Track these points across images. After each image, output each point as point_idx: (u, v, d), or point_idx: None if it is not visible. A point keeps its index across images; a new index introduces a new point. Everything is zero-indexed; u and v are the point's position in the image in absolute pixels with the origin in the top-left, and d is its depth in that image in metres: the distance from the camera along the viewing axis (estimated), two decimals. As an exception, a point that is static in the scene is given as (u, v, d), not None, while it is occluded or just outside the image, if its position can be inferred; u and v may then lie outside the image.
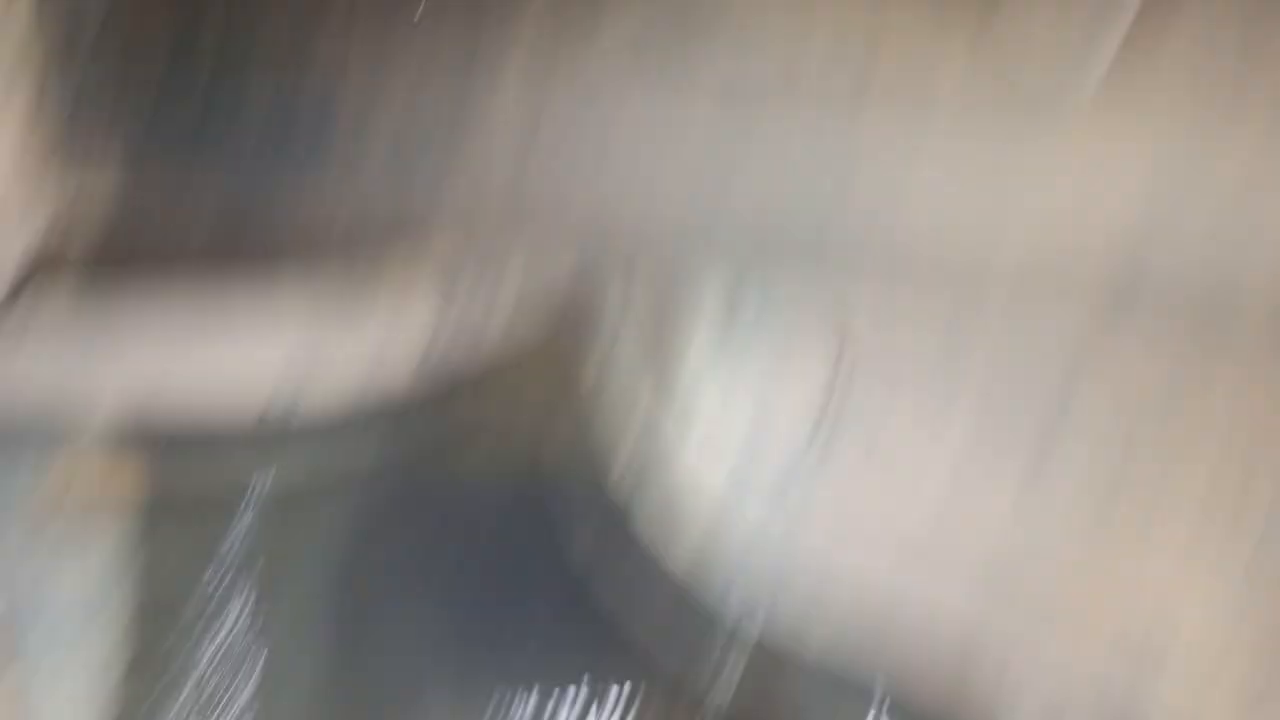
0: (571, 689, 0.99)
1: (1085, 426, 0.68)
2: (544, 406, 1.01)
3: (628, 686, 1.00)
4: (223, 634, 1.01)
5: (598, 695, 1.00)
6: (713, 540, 0.74)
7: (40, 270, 0.90)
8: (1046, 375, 0.69)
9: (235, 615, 1.01)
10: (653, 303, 0.77)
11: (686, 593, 0.98)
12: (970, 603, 0.71)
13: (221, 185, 0.76)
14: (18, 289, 0.91)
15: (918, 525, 0.72)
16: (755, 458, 0.74)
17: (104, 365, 0.90)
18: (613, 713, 1.01)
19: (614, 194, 0.73)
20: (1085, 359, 0.68)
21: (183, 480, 1.02)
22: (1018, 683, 0.72)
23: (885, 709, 0.97)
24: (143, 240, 0.90)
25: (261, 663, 1.02)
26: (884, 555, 0.73)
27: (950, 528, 0.72)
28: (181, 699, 1.01)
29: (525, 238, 0.77)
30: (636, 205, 0.74)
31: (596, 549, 0.98)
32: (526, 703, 0.99)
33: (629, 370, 0.79)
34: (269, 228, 0.84)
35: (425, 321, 0.85)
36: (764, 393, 0.74)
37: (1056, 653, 0.70)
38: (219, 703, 1.01)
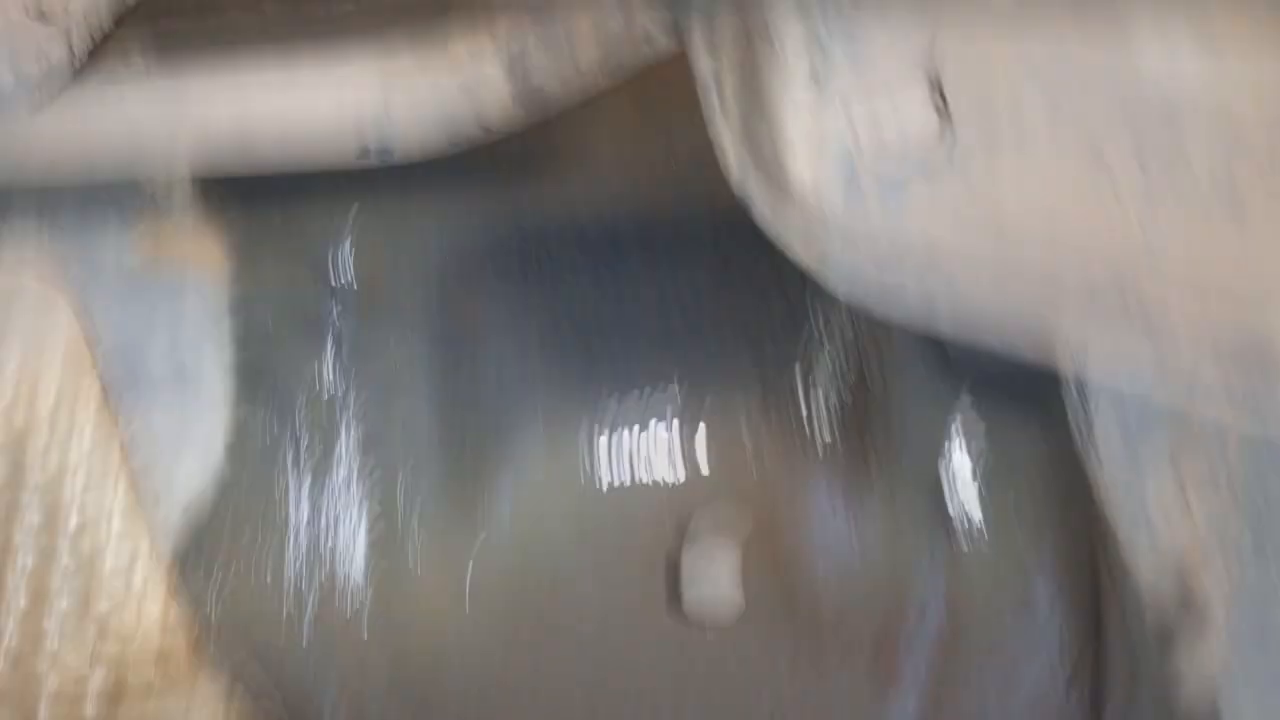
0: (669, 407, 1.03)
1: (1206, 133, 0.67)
2: (643, 127, 1.01)
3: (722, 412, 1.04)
4: (322, 391, 1.04)
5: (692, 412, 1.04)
6: (826, 239, 0.74)
7: (116, 36, 0.87)
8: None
9: (334, 371, 1.04)
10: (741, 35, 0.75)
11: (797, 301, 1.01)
12: (1080, 306, 0.72)
13: None
14: (91, 46, 0.88)
15: (1028, 230, 0.72)
16: (864, 163, 0.73)
17: (184, 117, 0.89)
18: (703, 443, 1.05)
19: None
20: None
21: (274, 230, 1.03)
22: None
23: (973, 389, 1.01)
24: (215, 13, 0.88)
25: (364, 416, 1.05)
26: (993, 255, 0.73)
27: (1064, 231, 0.72)
28: (287, 448, 1.04)
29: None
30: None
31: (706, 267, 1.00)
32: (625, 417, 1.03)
33: (724, 91, 0.77)
34: None
35: (514, 47, 0.83)
36: (864, 109, 0.72)
37: (1171, 364, 0.72)
38: (325, 447, 1.04)
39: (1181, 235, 0.70)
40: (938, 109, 0.73)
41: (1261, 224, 0.68)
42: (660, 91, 0.97)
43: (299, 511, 1.03)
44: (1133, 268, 0.71)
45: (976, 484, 1.07)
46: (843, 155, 0.73)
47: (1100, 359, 0.75)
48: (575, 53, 0.81)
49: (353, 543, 1.04)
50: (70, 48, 0.84)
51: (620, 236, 1.06)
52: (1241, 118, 0.67)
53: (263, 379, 1.04)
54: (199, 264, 1.02)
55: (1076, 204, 0.71)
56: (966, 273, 0.73)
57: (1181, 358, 0.72)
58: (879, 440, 1.07)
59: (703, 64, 0.77)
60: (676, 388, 1.07)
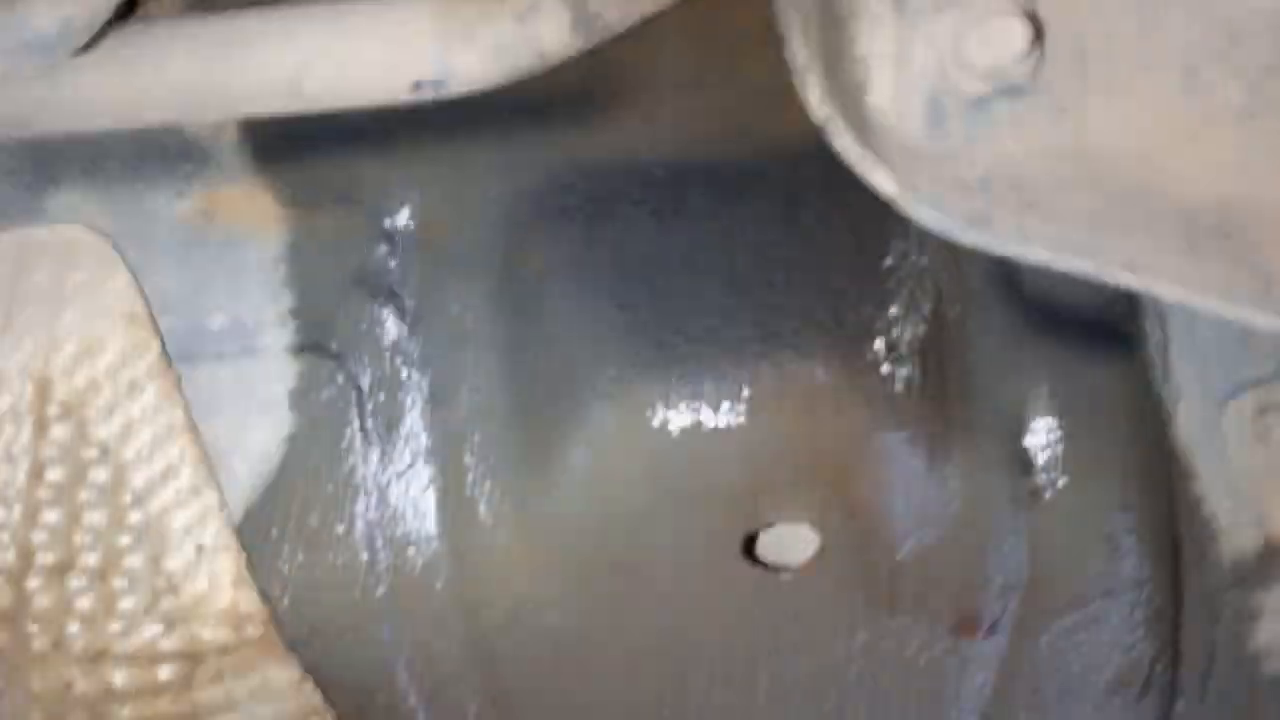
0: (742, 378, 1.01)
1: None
2: (705, 61, 0.97)
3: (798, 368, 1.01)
4: (385, 349, 1.03)
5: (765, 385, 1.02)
6: (910, 164, 0.71)
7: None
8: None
9: (396, 328, 1.02)
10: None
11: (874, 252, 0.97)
12: (1175, 234, 0.69)
13: None
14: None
15: (1120, 153, 0.69)
16: (948, 84, 0.69)
17: (231, 59, 0.86)
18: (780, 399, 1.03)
19: None
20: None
21: (328, 179, 1.01)
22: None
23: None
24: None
25: (429, 374, 1.03)
26: (1083, 178, 0.70)
27: (1159, 156, 0.68)
28: (352, 401, 1.03)
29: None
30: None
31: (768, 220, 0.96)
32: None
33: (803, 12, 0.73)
34: None
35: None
36: (947, 25, 0.68)
37: (1273, 298, 0.68)
38: (391, 400, 1.03)
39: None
40: (1024, 22, 0.68)
41: None
42: (723, 22, 0.93)
43: (367, 465, 1.02)
44: (1233, 196, 0.67)
45: (1056, 426, 1.04)
46: (926, 76, 0.69)
47: (1194, 290, 0.71)
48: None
49: (423, 496, 1.03)
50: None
51: (684, 176, 1.03)
52: None
53: (324, 332, 1.02)
54: (253, 217, 1.01)
55: (1171, 127, 0.67)
56: (1055, 197, 0.70)
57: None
58: (957, 382, 1.05)
59: None
60: (748, 331, 1.04)
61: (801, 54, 0.73)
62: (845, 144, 0.73)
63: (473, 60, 0.82)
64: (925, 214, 0.72)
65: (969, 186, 0.70)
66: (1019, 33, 0.69)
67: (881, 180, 0.72)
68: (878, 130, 0.70)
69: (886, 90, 0.69)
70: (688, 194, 1.03)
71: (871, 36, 0.69)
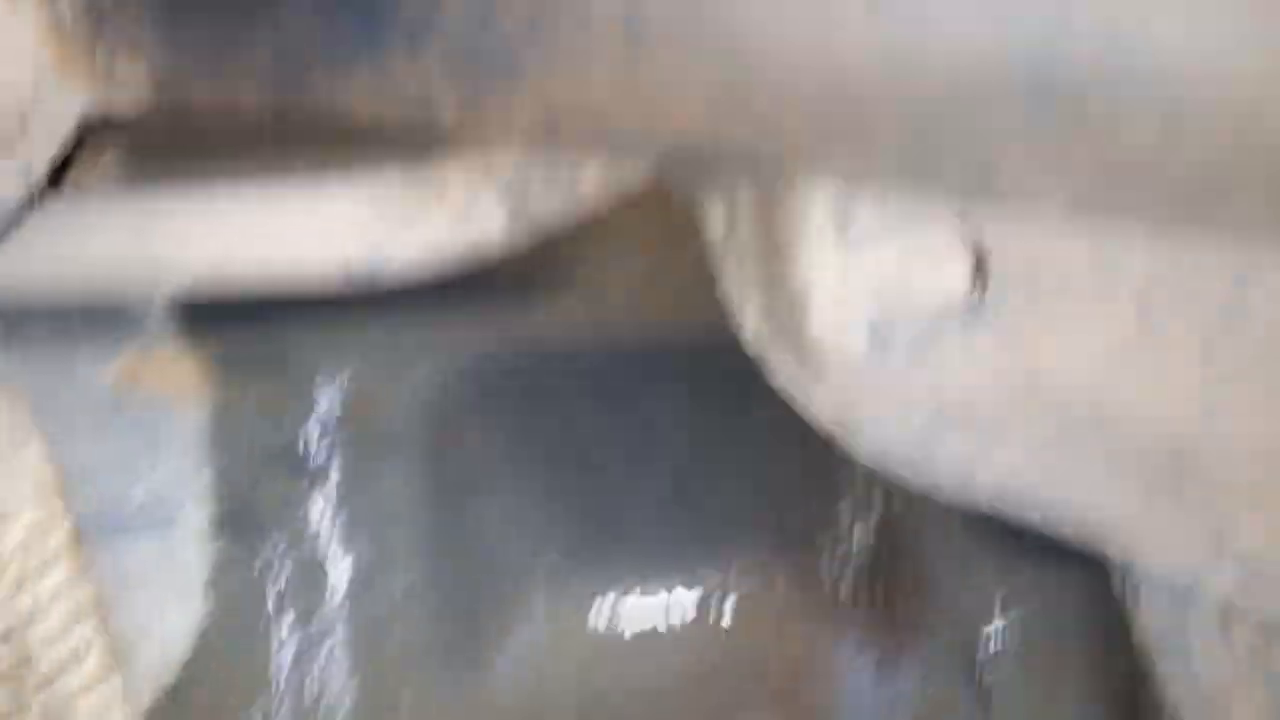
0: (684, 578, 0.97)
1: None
2: (649, 264, 0.95)
3: (743, 572, 0.98)
4: (308, 531, 0.99)
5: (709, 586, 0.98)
6: (852, 402, 0.68)
7: (85, 149, 0.83)
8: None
9: (319, 509, 0.98)
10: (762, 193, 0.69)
11: (823, 455, 0.94)
12: (1133, 485, 0.66)
13: (270, 60, 0.66)
14: (62, 168, 0.83)
15: (1072, 393, 0.66)
16: (893, 318, 0.66)
17: (161, 238, 0.84)
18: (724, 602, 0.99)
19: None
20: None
21: (258, 356, 0.98)
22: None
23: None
24: (188, 122, 0.83)
25: (352, 559, 0.99)
26: (1033, 419, 0.67)
27: (1112, 397, 0.65)
28: (270, 588, 0.98)
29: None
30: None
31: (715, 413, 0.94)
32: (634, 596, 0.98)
33: (741, 238, 0.71)
34: (327, 104, 0.75)
35: (513, 178, 0.78)
36: (893, 261, 0.66)
37: (1237, 545, 0.65)
38: (311, 589, 0.99)
39: (1245, 404, 0.63)
40: (966, 253, 0.66)
41: None
42: (670, 213, 0.91)
43: (284, 653, 0.97)
44: (1189, 438, 0.64)
45: (1012, 631, 1.01)
46: (868, 303, 0.66)
47: (1152, 539, 0.68)
48: (577, 186, 0.76)
49: (342, 688, 0.97)
50: (29, 177, 0.79)
51: (626, 364, 1.00)
52: None
53: (245, 510, 0.98)
54: (178, 386, 0.97)
55: (1125, 363, 0.64)
56: (1004, 438, 0.67)
57: (1242, 540, 0.65)
58: (908, 587, 1.01)
59: (714, 211, 0.71)
60: (689, 529, 1.00)
61: (738, 278, 0.71)
62: (784, 368, 0.70)
63: (408, 253, 0.79)
64: (868, 451, 0.69)
65: (914, 414, 0.67)
66: (961, 265, 0.67)
67: (820, 406, 0.69)
68: (818, 356, 0.67)
69: (828, 316, 0.67)
70: (629, 383, 1.01)
71: (813, 262, 0.67)
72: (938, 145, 0.54)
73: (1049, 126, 0.50)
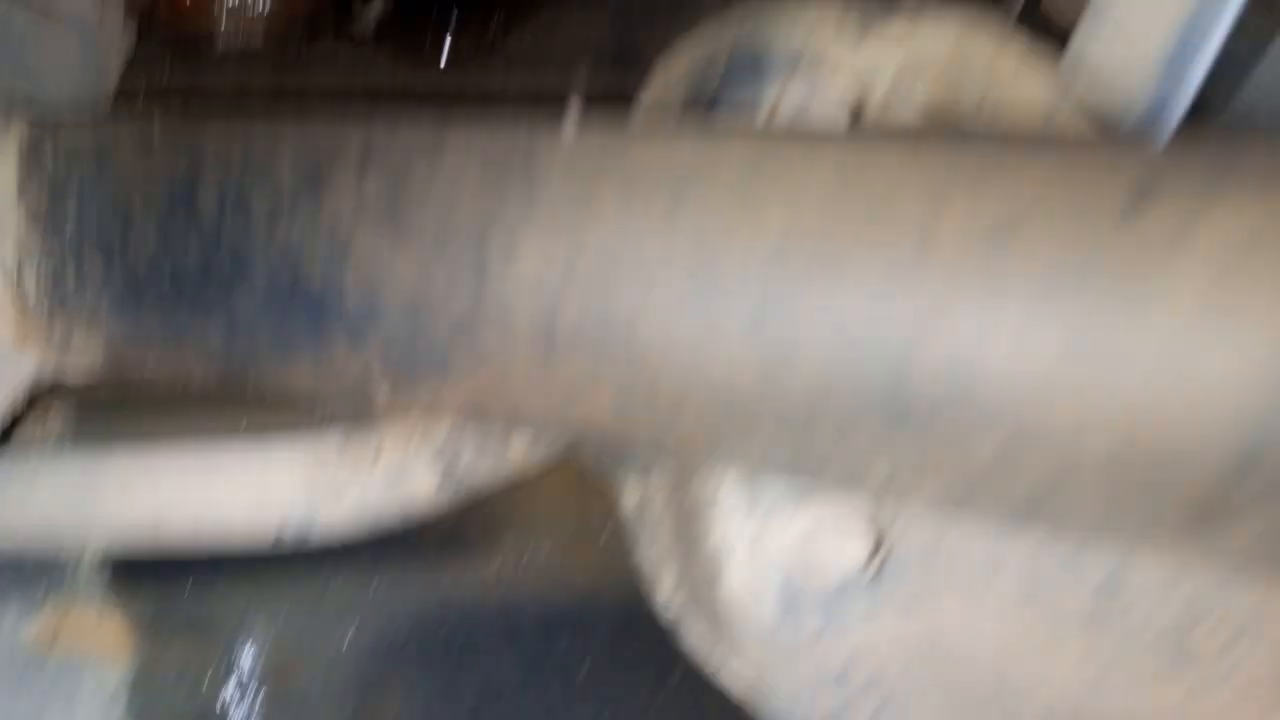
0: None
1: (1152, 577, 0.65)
2: (570, 530, 0.97)
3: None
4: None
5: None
6: (764, 668, 0.70)
7: (32, 409, 0.85)
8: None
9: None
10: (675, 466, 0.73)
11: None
12: None
13: (221, 344, 0.70)
14: (8, 427, 0.86)
15: (980, 670, 0.69)
16: (801, 588, 0.70)
17: (96, 498, 0.86)
18: None
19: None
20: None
21: (181, 612, 0.97)
22: None
23: None
24: (138, 388, 0.86)
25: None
26: (937, 686, 0.69)
27: (1009, 671, 0.68)
28: None
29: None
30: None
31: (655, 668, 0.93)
32: None
33: (655, 511, 0.75)
34: (272, 381, 0.79)
35: (444, 446, 0.82)
36: (801, 535, 0.70)
37: None
38: None
39: (1124, 685, 0.66)
40: (867, 529, 0.70)
41: (1208, 679, 0.65)
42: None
43: None
44: (1083, 708, 0.67)
45: None
46: (779, 570, 0.69)
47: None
48: (506, 452, 0.80)
49: None
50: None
51: (554, 625, 1.01)
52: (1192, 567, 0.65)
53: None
54: (98, 643, 0.96)
55: (1019, 633, 0.67)
56: (912, 696, 0.69)
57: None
58: None
59: (628, 486, 0.74)
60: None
61: (653, 549, 0.74)
62: (698, 635, 0.72)
63: (338, 515, 0.82)
64: (779, 712, 0.70)
65: (825, 680, 0.69)
66: (861, 540, 0.70)
67: (734, 673, 0.71)
68: (732, 622, 0.69)
69: (741, 583, 0.69)
70: (557, 644, 1.01)
71: (726, 528, 0.70)
72: (812, 448, 0.58)
73: (907, 439, 0.54)
